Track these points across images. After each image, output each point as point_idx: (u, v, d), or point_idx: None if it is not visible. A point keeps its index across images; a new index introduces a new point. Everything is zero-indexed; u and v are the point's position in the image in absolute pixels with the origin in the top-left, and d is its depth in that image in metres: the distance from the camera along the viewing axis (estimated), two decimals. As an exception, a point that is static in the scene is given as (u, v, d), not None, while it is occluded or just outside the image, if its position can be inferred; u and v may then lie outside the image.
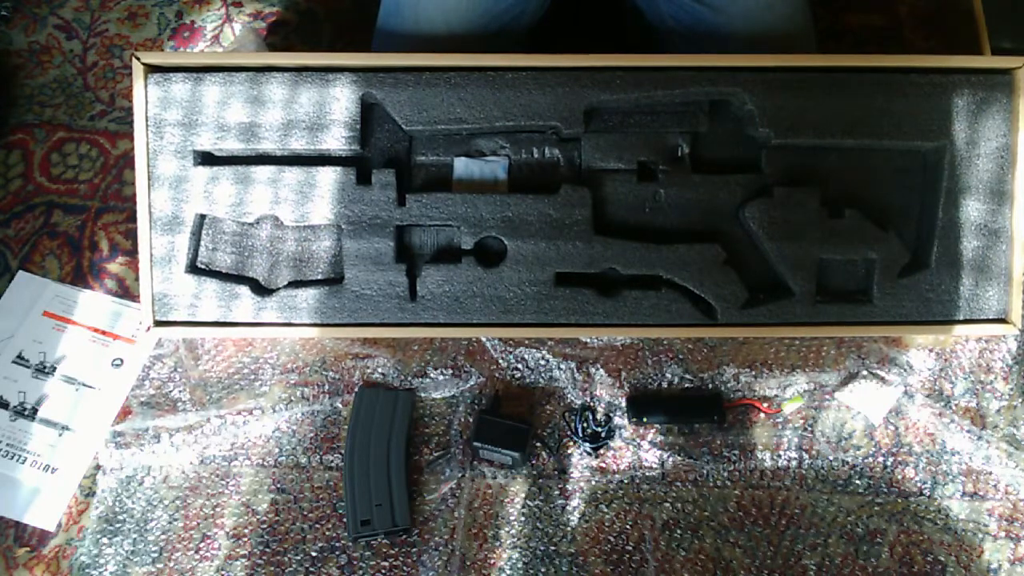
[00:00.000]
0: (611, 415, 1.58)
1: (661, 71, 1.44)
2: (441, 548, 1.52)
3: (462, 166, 1.51)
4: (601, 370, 1.61)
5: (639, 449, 1.57)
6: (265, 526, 1.54)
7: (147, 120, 1.46)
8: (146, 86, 1.45)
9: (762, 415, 1.59)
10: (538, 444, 1.57)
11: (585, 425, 1.56)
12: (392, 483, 1.53)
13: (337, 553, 1.53)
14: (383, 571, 1.51)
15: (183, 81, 1.45)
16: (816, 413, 1.60)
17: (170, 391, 1.61)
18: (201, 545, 1.54)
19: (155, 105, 1.46)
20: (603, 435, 1.56)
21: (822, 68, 1.45)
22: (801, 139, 1.46)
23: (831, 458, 1.57)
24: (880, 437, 1.58)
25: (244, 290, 1.48)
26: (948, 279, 1.47)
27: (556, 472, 1.56)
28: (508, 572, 1.52)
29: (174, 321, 1.49)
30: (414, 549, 1.52)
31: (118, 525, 1.55)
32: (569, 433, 1.57)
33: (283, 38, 1.86)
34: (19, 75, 1.82)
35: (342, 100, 1.45)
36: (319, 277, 1.52)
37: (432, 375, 1.61)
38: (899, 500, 1.55)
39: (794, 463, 1.57)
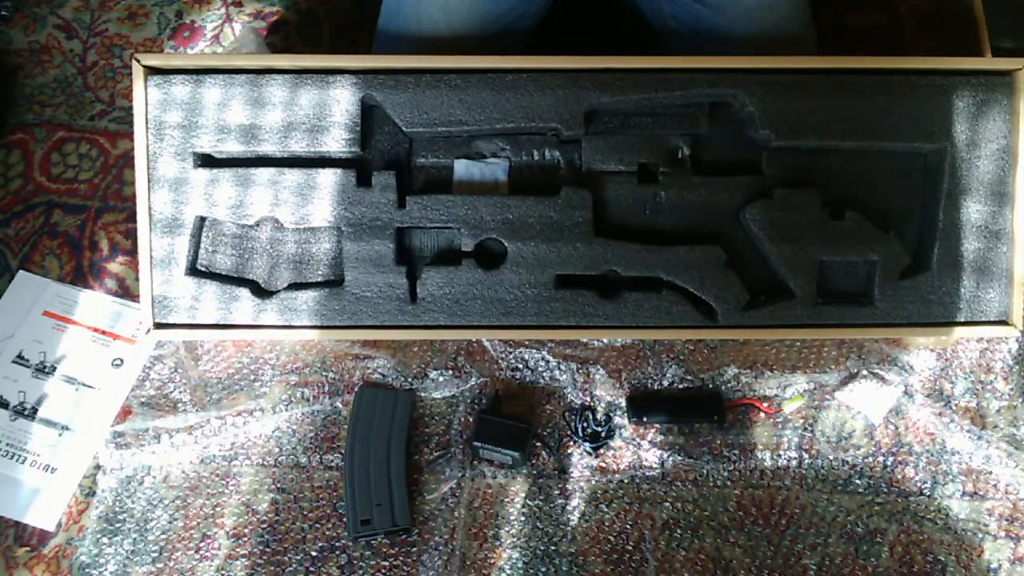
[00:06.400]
0: (611, 415, 1.58)
1: (661, 72, 1.44)
2: (441, 548, 1.53)
3: (462, 168, 1.51)
4: (601, 370, 1.61)
5: (639, 449, 1.58)
6: (265, 526, 1.55)
7: (147, 122, 1.46)
8: (146, 88, 1.45)
9: (762, 415, 1.59)
10: (538, 444, 1.57)
11: (585, 425, 1.56)
12: (392, 483, 1.53)
13: (337, 553, 1.53)
14: (383, 571, 1.52)
15: (183, 83, 1.45)
16: (816, 413, 1.60)
17: (170, 392, 1.61)
18: (201, 545, 1.54)
19: (155, 107, 1.45)
20: (603, 435, 1.56)
21: (823, 70, 1.45)
22: (802, 141, 1.45)
23: (831, 458, 1.57)
24: (880, 437, 1.58)
25: (244, 292, 1.47)
26: (949, 281, 1.47)
27: (556, 472, 1.56)
28: (508, 572, 1.52)
29: (174, 323, 1.49)
30: (414, 549, 1.53)
31: (118, 525, 1.55)
32: (569, 433, 1.58)
33: (283, 38, 1.86)
34: (19, 75, 1.82)
35: (342, 102, 1.45)
36: (319, 279, 1.51)
37: (432, 375, 1.61)
38: (899, 500, 1.56)
39: (794, 463, 1.57)
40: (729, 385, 1.61)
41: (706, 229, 1.49)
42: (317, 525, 1.54)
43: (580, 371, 1.61)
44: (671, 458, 1.57)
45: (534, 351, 1.62)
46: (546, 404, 1.60)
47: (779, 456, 1.58)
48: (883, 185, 1.51)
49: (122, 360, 1.64)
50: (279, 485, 1.57)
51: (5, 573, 1.53)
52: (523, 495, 1.56)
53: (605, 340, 1.62)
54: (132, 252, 1.69)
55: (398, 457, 1.54)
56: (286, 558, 1.53)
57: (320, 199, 1.46)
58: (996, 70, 1.46)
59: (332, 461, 1.58)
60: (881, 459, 1.57)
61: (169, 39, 1.85)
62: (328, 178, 1.46)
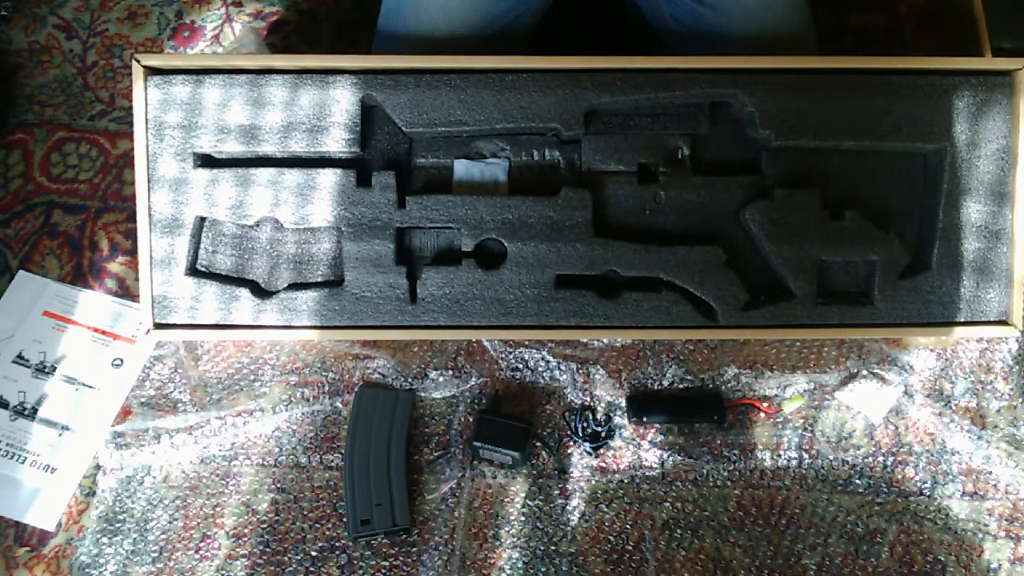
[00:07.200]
0: (611, 415, 1.58)
1: (661, 73, 1.44)
2: (441, 548, 1.53)
3: (462, 168, 1.51)
4: (601, 370, 1.61)
5: (639, 449, 1.58)
6: (265, 526, 1.55)
7: (147, 122, 1.46)
8: (146, 88, 1.45)
9: (762, 415, 1.59)
10: (538, 444, 1.57)
11: (585, 425, 1.56)
12: (392, 483, 1.53)
13: (337, 553, 1.53)
14: (383, 571, 1.52)
15: (183, 83, 1.45)
16: (816, 413, 1.60)
17: (170, 392, 1.61)
18: (201, 545, 1.54)
19: (155, 107, 1.45)
20: (603, 435, 1.56)
21: (822, 70, 1.45)
22: (801, 141, 1.45)
23: (831, 458, 1.57)
24: (880, 437, 1.58)
25: (244, 292, 1.47)
26: (949, 281, 1.47)
27: (556, 472, 1.56)
28: (508, 572, 1.52)
29: (174, 324, 1.48)
30: (414, 549, 1.53)
31: (118, 525, 1.55)
32: (569, 433, 1.58)
33: (283, 38, 1.86)
34: (19, 75, 1.82)
35: (342, 102, 1.45)
36: (319, 279, 1.51)
37: (432, 375, 1.61)
38: (899, 500, 1.56)
39: (794, 463, 1.57)
40: (729, 385, 1.61)
41: (706, 229, 1.49)
42: (317, 525, 1.55)
43: (580, 371, 1.61)
44: (671, 458, 1.57)
45: (534, 351, 1.62)
46: (546, 404, 1.60)
47: (779, 456, 1.58)
48: (883, 185, 1.51)
49: (122, 360, 1.64)
50: (279, 485, 1.57)
51: (5, 573, 1.53)
52: (523, 495, 1.56)
53: (605, 340, 1.62)
54: (132, 252, 1.69)
55: (398, 457, 1.54)
56: (286, 558, 1.53)
57: (320, 199, 1.46)
58: (996, 70, 1.46)
59: (332, 461, 1.58)
60: (881, 459, 1.57)
61: (169, 39, 1.85)
62: (328, 178, 1.46)
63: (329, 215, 1.46)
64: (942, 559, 1.53)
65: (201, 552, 1.54)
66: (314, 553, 1.53)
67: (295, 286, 1.50)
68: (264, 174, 1.47)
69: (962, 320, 1.48)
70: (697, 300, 1.48)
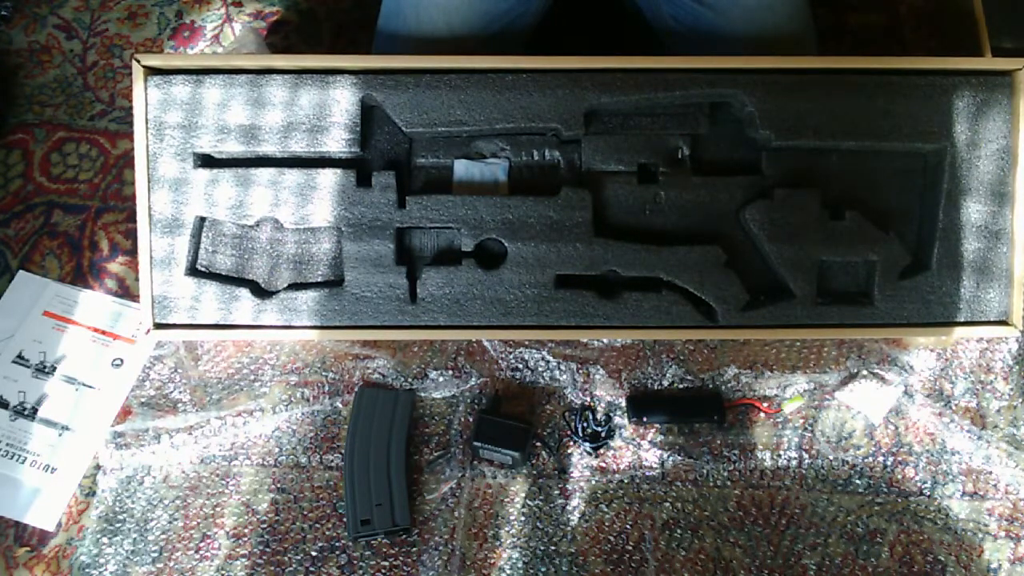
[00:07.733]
0: (611, 415, 1.58)
1: (661, 73, 1.44)
2: (441, 548, 1.53)
3: (462, 168, 1.51)
4: (601, 370, 1.61)
5: (639, 449, 1.58)
6: (265, 526, 1.55)
7: (147, 122, 1.46)
8: (146, 88, 1.45)
9: (762, 415, 1.59)
10: (538, 444, 1.57)
11: (585, 425, 1.56)
12: (392, 483, 1.53)
13: (337, 553, 1.53)
14: (383, 571, 1.52)
15: (183, 83, 1.45)
16: (816, 413, 1.60)
17: (170, 392, 1.61)
18: (201, 545, 1.54)
19: (155, 107, 1.45)
20: (603, 435, 1.56)
21: (823, 70, 1.45)
22: (801, 141, 1.45)
23: (831, 458, 1.57)
24: (880, 437, 1.58)
25: (244, 292, 1.47)
26: (949, 281, 1.47)
27: (556, 472, 1.56)
28: (508, 572, 1.52)
29: (174, 324, 1.48)
30: (414, 549, 1.53)
31: (118, 525, 1.55)
32: (569, 433, 1.57)
33: (283, 38, 1.86)
34: (19, 75, 1.82)
35: (342, 102, 1.45)
36: (319, 279, 1.51)
37: (432, 375, 1.61)
38: (899, 500, 1.56)
39: (794, 463, 1.57)
40: (729, 385, 1.61)
41: (706, 229, 1.49)
42: (317, 525, 1.54)
43: (580, 371, 1.61)
44: (671, 458, 1.57)
45: (534, 351, 1.62)
46: (546, 404, 1.60)
47: (779, 456, 1.58)
48: (883, 185, 1.51)
49: (122, 360, 1.64)
50: (279, 485, 1.56)
51: (5, 573, 1.53)
52: (523, 495, 1.56)
53: (605, 340, 1.62)
54: (132, 252, 1.69)
55: (398, 457, 1.54)
56: (286, 558, 1.53)
57: (320, 199, 1.46)
58: (996, 70, 1.46)
59: (332, 461, 1.58)
60: (881, 459, 1.57)
61: (169, 39, 1.85)
62: (328, 178, 1.46)
63: (329, 215, 1.46)
64: (942, 559, 1.53)
65: (201, 552, 1.54)
66: (314, 553, 1.53)
67: (295, 286, 1.50)
68: (264, 174, 1.46)
69: (962, 320, 1.48)
70: (697, 300, 1.48)
